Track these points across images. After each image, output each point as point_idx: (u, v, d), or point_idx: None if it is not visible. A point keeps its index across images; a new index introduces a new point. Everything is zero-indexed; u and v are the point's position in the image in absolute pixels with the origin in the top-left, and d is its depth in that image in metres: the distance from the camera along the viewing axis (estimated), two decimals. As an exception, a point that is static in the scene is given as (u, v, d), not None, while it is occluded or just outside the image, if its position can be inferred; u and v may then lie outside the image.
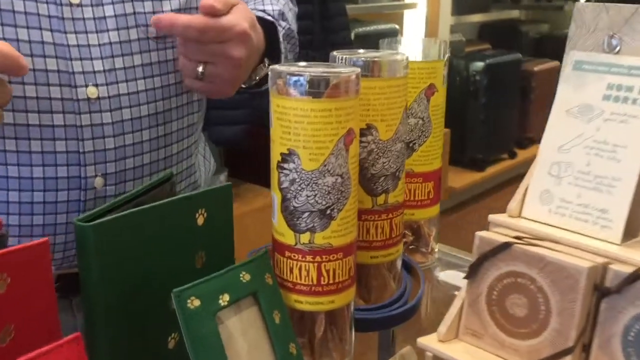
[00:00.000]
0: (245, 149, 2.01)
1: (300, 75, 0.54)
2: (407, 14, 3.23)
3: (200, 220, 0.57)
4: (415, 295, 0.72)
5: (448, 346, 0.61)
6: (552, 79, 3.87)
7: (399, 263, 0.71)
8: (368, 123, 0.62)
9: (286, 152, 0.55)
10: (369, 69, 0.62)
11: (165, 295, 0.57)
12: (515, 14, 3.93)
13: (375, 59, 0.62)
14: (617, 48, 0.65)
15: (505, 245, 0.58)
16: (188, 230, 0.56)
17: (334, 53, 0.64)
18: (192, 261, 0.58)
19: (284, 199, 0.57)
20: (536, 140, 3.88)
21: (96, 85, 0.69)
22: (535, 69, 3.76)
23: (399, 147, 0.64)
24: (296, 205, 0.56)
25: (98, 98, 0.69)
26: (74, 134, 0.68)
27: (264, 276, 0.58)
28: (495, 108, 3.50)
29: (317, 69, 0.55)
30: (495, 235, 0.60)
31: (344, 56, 0.62)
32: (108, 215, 0.53)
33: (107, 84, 0.69)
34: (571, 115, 0.64)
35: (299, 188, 0.56)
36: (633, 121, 0.60)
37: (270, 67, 0.56)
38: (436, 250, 0.83)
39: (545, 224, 0.64)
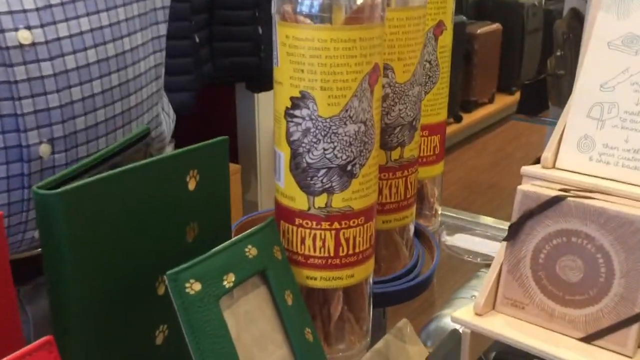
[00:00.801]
0: (189, 118, 1.88)
1: (315, -4, 0.43)
2: None
3: (191, 185, 0.46)
4: (428, 264, 0.63)
5: (487, 320, 0.52)
6: (494, 41, 3.86)
7: (411, 228, 0.62)
8: (385, 63, 0.52)
9: (298, 95, 0.45)
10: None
11: (150, 277, 0.46)
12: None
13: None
14: (659, -29, 0.57)
15: (556, 199, 0.50)
16: (177, 196, 0.45)
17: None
18: (183, 234, 0.47)
19: (295, 155, 0.46)
20: (480, 103, 3.88)
21: (29, 28, 0.55)
22: (478, 31, 3.73)
23: (416, 92, 0.54)
24: (310, 161, 0.46)
25: (33, 44, 0.55)
26: (7, 92, 0.55)
27: (273, 250, 0.47)
28: (441, 72, 3.45)
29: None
30: (542, 189, 0.51)
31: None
32: (75, 182, 0.41)
33: (42, 26, 0.55)
34: (614, 47, 0.56)
35: (315, 140, 0.45)
36: (688, 52, 0.52)
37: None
38: (439, 212, 0.74)
39: (586, 174, 0.56)
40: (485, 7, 4.05)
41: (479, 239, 0.76)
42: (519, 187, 0.52)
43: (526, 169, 0.57)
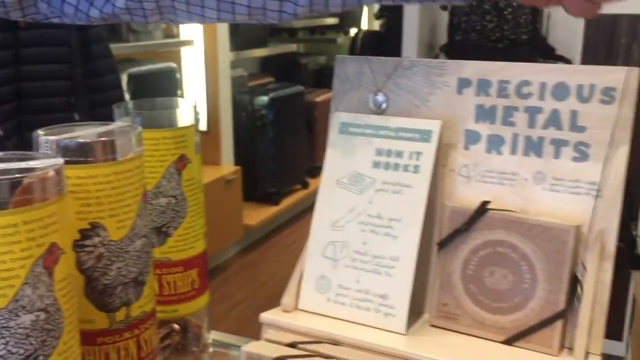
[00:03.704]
0: None
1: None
2: (185, 51, 3.10)
3: None
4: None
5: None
6: (334, 108, 3.97)
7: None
8: (92, 222, 0.48)
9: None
10: (87, 152, 0.47)
11: None
12: (293, 47, 4.00)
13: (95, 140, 0.48)
14: (384, 106, 0.58)
15: (278, 362, 0.47)
16: None
17: (38, 133, 0.48)
18: None
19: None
20: (325, 168, 3.94)
21: None
22: (317, 99, 3.84)
23: (139, 245, 0.51)
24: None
25: None
26: None
27: None
28: (284, 141, 3.50)
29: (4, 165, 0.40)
30: (265, 348, 0.49)
31: (50, 138, 0.47)
32: None
33: None
34: (341, 186, 0.56)
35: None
36: (406, 191, 0.53)
37: None
38: (210, 341, 0.70)
39: (325, 315, 0.54)
40: (323, 75, 4.20)
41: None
42: (242, 348, 0.49)
43: (265, 315, 0.55)
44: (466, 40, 2.09)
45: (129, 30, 2.76)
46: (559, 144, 0.51)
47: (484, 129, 0.54)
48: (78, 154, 0.47)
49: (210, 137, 3.17)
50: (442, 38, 2.19)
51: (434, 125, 0.54)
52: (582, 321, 0.47)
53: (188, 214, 0.63)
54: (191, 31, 3.04)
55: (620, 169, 0.49)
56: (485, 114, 0.54)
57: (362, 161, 0.55)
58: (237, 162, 3.27)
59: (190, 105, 0.63)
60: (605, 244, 0.50)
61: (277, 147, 3.47)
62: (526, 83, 0.52)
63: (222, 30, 3.06)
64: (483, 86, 0.54)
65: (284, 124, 3.47)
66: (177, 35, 3.03)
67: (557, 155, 0.51)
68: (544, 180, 0.52)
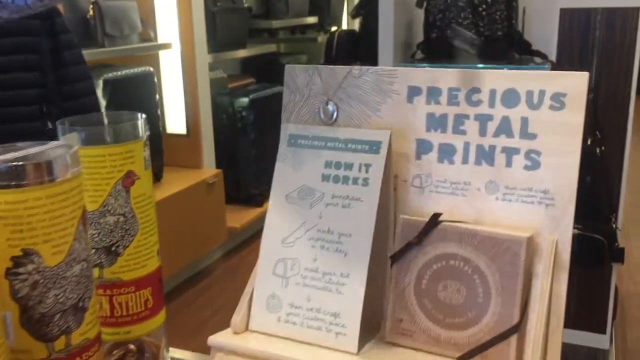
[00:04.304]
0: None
1: None
2: (163, 54, 3.07)
3: None
4: None
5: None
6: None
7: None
8: (25, 249, 0.46)
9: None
10: (18, 176, 0.45)
11: None
12: (273, 47, 3.97)
13: (26, 162, 0.46)
14: (334, 115, 0.56)
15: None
16: None
17: (-33, 156, 0.46)
18: None
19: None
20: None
21: None
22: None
23: (77, 270, 0.48)
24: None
25: None
26: None
27: None
28: (265, 142, 3.47)
29: None
30: (210, 376, 0.47)
31: (-23, 162, 0.45)
32: None
33: None
34: (291, 201, 0.54)
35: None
36: (356, 205, 0.51)
37: None
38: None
39: (276, 336, 0.52)
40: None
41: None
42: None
43: (213, 339, 0.53)
44: (442, 38, 2.07)
45: (104, 35, 2.72)
46: (510, 152, 0.50)
47: (436, 138, 0.53)
48: (8, 177, 0.45)
49: (190, 140, 3.14)
50: (419, 36, 2.18)
51: (383, 136, 0.52)
52: (535, 335, 0.46)
53: (139, 231, 0.61)
54: (169, 34, 3.00)
55: (572, 176, 0.48)
56: (436, 122, 0.52)
57: (311, 174, 0.53)
58: (219, 164, 3.25)
59: (140, 119, 0.61)
60: (559, 254, 0.48)
61: (259, 149, 3.44)
62: (476, 90, 0.51)
63: (200, 32, 3.03)
64: (433, 94, 0.52)
65: (265, 125, 3.45)
66: (155, 39, 3.00)
67: (508, 163, 0.50)
68: (496, 189, 0.50)
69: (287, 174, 0.54)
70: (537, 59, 2.06)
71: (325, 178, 0.53)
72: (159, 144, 2.92)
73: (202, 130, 3.14)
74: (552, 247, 0.48)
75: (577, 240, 1.84)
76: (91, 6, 2.70)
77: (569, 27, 1.92)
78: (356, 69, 0.55)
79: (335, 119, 0.56)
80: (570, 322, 2.10)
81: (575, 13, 1.91)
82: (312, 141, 0.54)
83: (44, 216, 0.46)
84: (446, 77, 0.52)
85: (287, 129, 0.56)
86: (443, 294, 0.50)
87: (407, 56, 2.22)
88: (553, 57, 2.00)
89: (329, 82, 0.56)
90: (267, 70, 3.98)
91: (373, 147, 0.52)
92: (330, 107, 0.56)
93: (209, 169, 3.16)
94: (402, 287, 0.51)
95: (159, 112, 2.96)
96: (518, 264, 0.47)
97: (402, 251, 0.51)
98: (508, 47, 2.05)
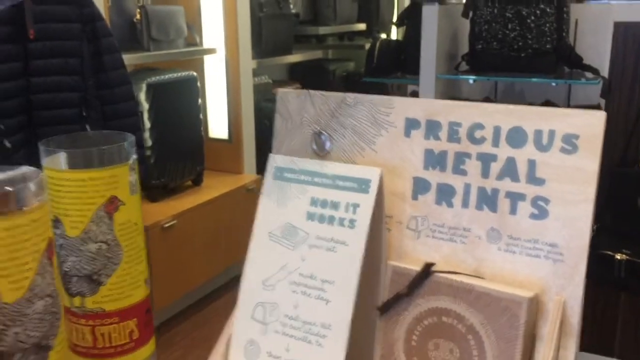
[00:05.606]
0: None
1: None
2: (207, 59, 3.07)
3: None
4: None
5: None
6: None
7: None
8: (-23, 285, 0.43)
9: None
10: (-28, 207, 0.42)
11: None
12: (319, 54, 3.94)
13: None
14: (327, 147, 0.52)
15: None
16: None
17: None
18: None
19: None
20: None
21: None
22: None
23: (40, 306, 0.45)
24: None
25: None
26: None
27: None
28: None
29: None
30: None
31: None
32: None
33: None
34: (274, 239, 0.50)
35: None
36: (341, 249, 0.47)
37: None
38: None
39: (252, 387, 0.48)
40: (352, 81, 4.12)
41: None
42: None
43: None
44: (487, 50, 1.99)
45: (149, 38, 2.74)
46: (515, 197, 0.44)
47: (434, 177, 0.47)
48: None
49: (232, 145, 3.13)
50: (464, 47, 2.10)
51: (374, 174, 0.47)
52: (533, 412, 0.40)
53: (122, 260, 0.57)
54: (214, 39, 3.01)
55: (584, 229, 0.42)
56: (434, 159, 0.47)
57: (295, 212, 0.49)
58: (260, 171, 3.23)
59: (128, 140, 0.58)
60: (567, 318, 0.42)
61: (301, 156, 3.41)
62: (479, 126, 0.45)
63: (245, 37, 3.03)
64: (432, 128, 0.47)
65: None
66: (200, 44, 3.01)
67: (513, 210, 0.44)
68: (499, 238, 0.45)
69: (271, 209, 0.50)
70: (589, 74, 1.96)
71: (310, 217, 0.48)
72: (201, 148, 2.93)
73: (244, 136, 3.13)
74: (558, 309, 0.42)
75: (624, 266, 1.74)
76: (138, 10, 2.72)
77: (622, 42, 1.81)
78: (350, 96, 0.50)
79: (328, 152, 0.51)
80: (616, 351, 1.98)
81: (630, 27, 1.80)
82: (299, 175, 0.50)
83: (1, 250, 0.43)
84: (446, 109, 0.46)
85: (275, 160, 0.51)
86: (434, 353, 0.44)
87: (451, 67, 2.15)
88: (605, 72, 1.90)
89: (322, 110, 0.52)
90: (314, 77, 3.95)
91: (362, 185, 0.47)
92: (323, 137, 0.52)
93: (249, 175, 3.15)
94: (390, 342, 0.46)
95: (201, 116, 2.97)
96: (517, 326, 0.41)
97: (391, 302, 0.46)
98: (557, 61, 1.95)
